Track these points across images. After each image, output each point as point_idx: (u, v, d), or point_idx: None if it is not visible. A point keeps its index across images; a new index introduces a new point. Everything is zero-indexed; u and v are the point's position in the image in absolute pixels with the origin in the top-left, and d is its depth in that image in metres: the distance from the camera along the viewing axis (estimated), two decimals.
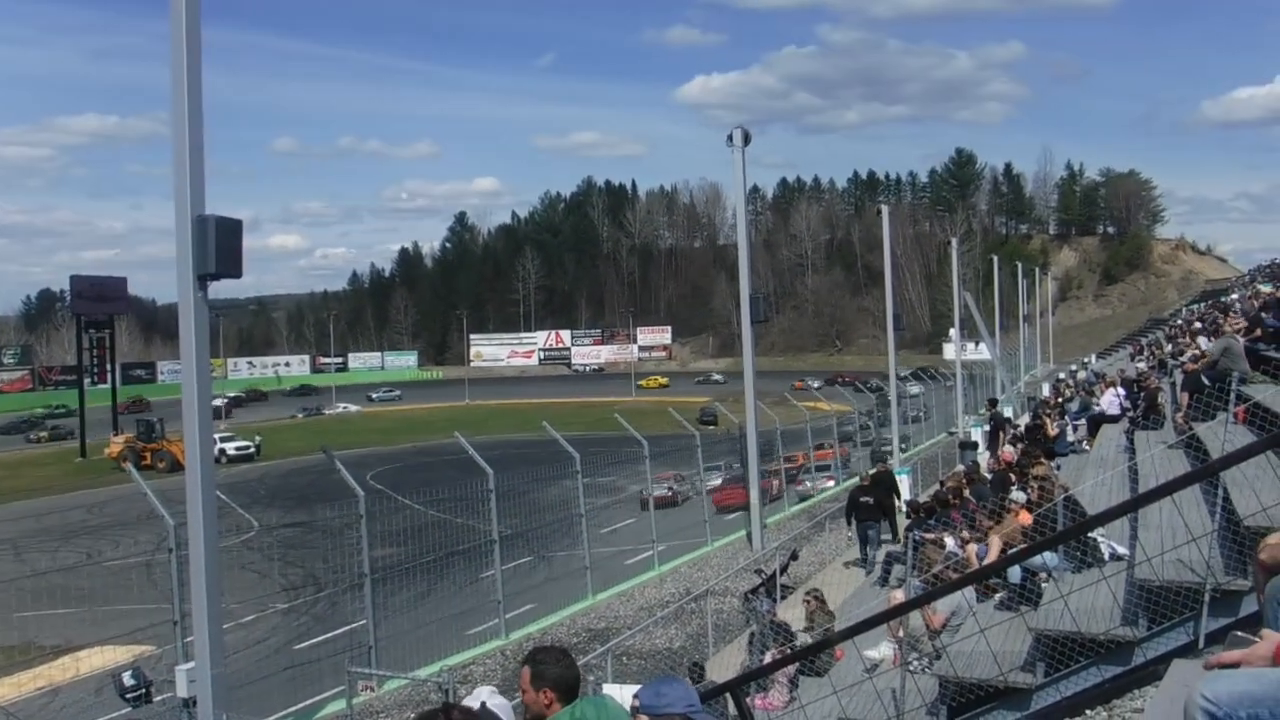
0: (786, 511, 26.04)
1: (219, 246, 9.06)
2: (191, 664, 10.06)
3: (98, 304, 69.50)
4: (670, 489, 26.99)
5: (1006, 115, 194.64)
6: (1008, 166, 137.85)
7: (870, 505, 17.64)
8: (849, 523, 18.52)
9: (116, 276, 74.85)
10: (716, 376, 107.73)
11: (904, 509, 17.36)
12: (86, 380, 67.88)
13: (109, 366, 70.39)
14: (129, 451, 51.56)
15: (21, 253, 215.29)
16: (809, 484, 30.19)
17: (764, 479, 25.29)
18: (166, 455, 49.28)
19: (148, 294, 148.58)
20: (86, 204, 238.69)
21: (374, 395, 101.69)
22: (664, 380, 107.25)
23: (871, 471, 19.71)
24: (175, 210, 9.21)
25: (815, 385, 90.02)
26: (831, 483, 29.55)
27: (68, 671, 17.81)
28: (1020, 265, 72.40)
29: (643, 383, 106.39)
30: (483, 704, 3.43)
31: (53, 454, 62.42)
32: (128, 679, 10.94)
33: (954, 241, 49.33)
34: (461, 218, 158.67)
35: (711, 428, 39.43)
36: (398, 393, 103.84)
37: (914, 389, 53.54)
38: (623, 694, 8.01)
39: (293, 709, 14.01)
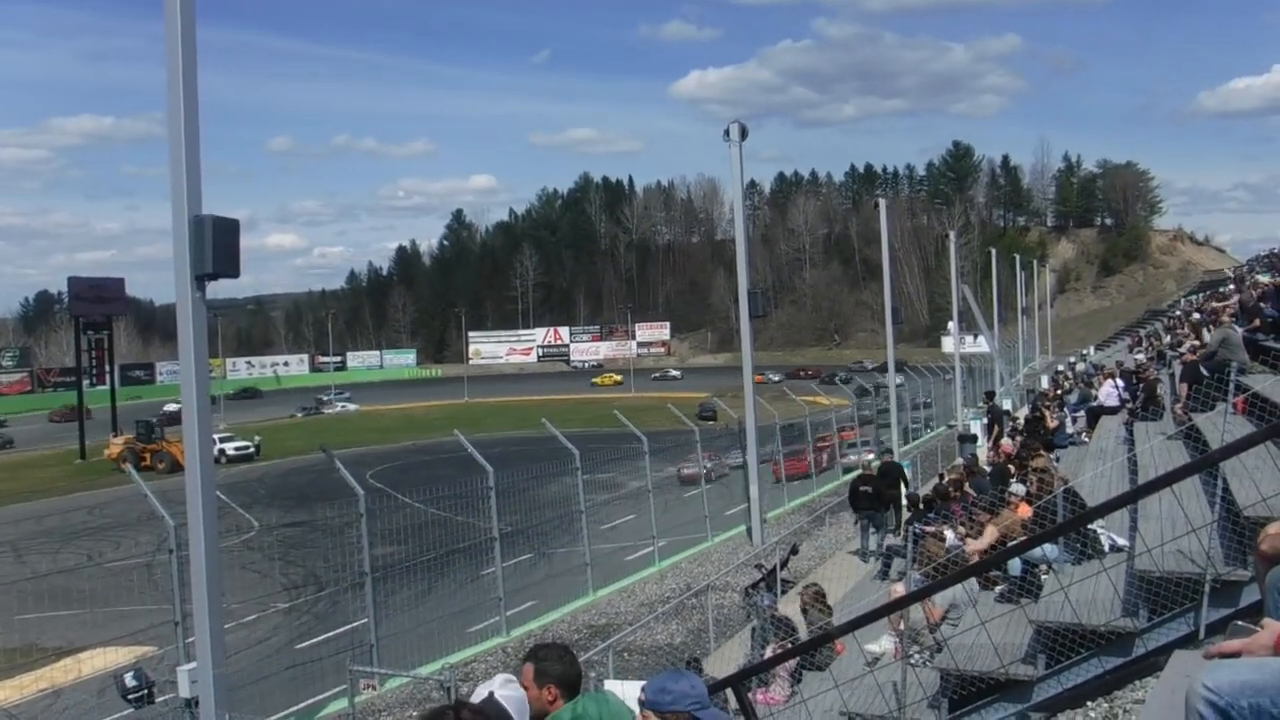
0: (786, 506, 26.08)
1: (216, 246, 9.06)
2: (193, 664, 10.07)
3: (96, 305, 69.42)
4: (707, 466, 27.47)
5: (1003, 108, 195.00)
6: (1005, 159, 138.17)
7: (870, 495, 17.79)
8: (853, 510, 18.76)
9: (114, 278, 74.82)
10: (674, 373, 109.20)
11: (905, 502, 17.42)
12: (85, 382, 67.86)
13: (108, 368, 70.35)
14: (128, 453, 51.50)
15: (18, 255, 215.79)
16: (854, 456, 32.14)
17: (815, 453, 30.70)
18: (166, 456, 49.23)
19: (145, 295, 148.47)
20: (83, 205, 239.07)
21: (324, 397, 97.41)
22: (618, 378, 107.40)
23: (877, 462, 19.82)
24: (172, 211, 9.22)
25: (776, 379, 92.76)
26: (871, 455, 31.02)
27: (70, 673, 17.82)
28: (1018, 257, 72.46)
29: (596, 380, 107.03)
30: (491, 694, 3.41)
31: (52, 456, 62.37)
32: (130, 680, 10.95)
33: (952, 234, 49.35)
34: (458, 215, 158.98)
35: (711, 423, 39.44)
36: (348, 394, 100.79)
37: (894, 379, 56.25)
38: (624, 690, 8.01)
39: (295, 708, 14.02)
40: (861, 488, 18.02)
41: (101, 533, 33.27)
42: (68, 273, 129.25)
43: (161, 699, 11.37)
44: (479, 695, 3.38)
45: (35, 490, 47.42)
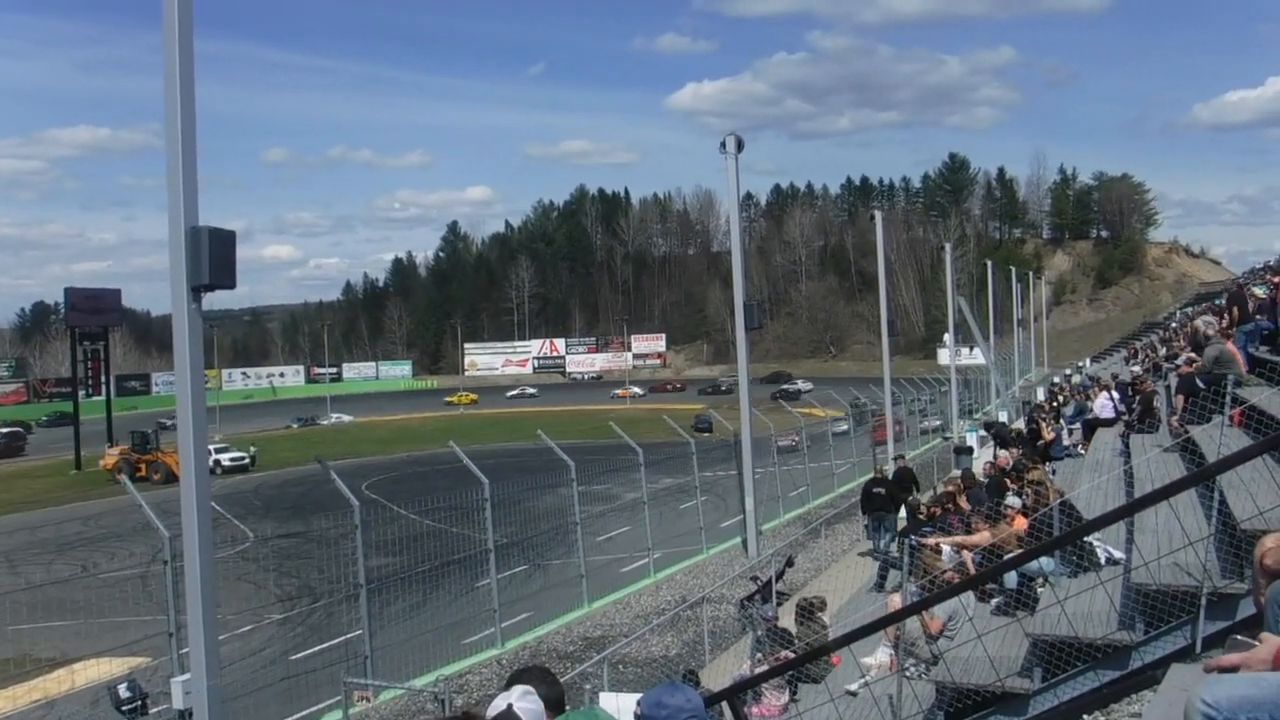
0: (782, 518, 26.06)
1: (212, 257, 9.05)
2: (187, 676, 10.00)
3: (92, 316, 69.25)
4: (794, 440, 31.70)
5: (998, 120, 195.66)
6: (1000, 171, 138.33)
7: (882, 496, 18.23)
8: (863, 512, 19.12)
9: (111, 289, 74.78)
10: (530, 390, 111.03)
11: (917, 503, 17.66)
12: (81, 392, 67.72)
13: (104, 378, 70.19)
14: (124, 463, 51.38)
15: (14, 265, 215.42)
16: (929, 422, 40.44)
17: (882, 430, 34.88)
18: (161, 467, 49.07)
19: (141, 306, 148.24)
20: (79, 216, 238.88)
21: (168, 422, 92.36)
22: (474, 396, 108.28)
23: (893, 463, 20.26)
24: (169, 222, 9.20)
25: (640, 393, 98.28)
26: (939, 422, 40.53)
27: (63, 684, 17.72)
28: (1014, 270, 72.48)
29: (450, 399, 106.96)
30: (510, 706, 3.39)
31: (47, 466, 62.21)
32: (123, 691, 10.94)
33: (948, 246, 49.30)
34: (454, 227, 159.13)
35: (706, 435, 39.51)
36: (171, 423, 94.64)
37: (805, 386, 74.83)
38: (619, 703, 7.99)
39: (289, 719, 13.96)
40: (874, 489, 18.54)
41: (96, 543, 33.15)
42: (64, 283, 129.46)
43: (155, 710, 11.35)
44: (497, 707, 3.36)
45: (30, 501, 47.24)
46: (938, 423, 41.11)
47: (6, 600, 21.00)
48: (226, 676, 11.19)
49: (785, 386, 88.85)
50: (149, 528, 12.49)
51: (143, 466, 51.21)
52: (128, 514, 29.83)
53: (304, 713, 14.26)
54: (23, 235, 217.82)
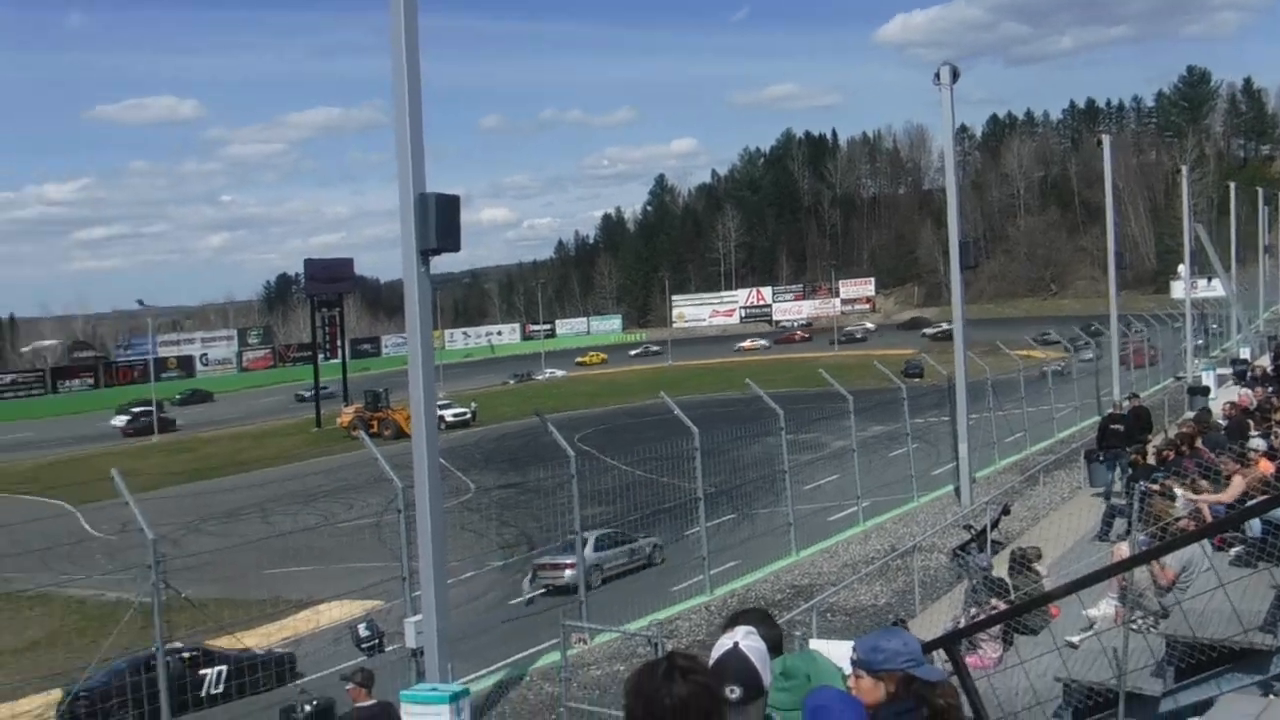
0: (996, 465, 25.11)
1: (439, 221, 9.51)
2: (419, 617, 10.72)
3: (328, 285, 73.80)
4: (1062, 365, 33.51)
5: (1243, 24, 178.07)
6: (1247, 82, 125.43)
7: (1120, 434, 17.81)
8: (1097, 449, 18.53)
9: (344, 258, 79.59)
10: (654, 347, 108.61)
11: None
12: (320, 356, 72.70)
13: (339, 342, 75.13)
14: (358, 420, 54.87)
15: (258, 241, 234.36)
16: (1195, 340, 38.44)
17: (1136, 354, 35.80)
18: (391, 424, 52.11)
19: (372, 273, 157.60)
20: (315, 192, 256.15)
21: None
22: (603, 355, 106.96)
23: (1126, 401, 19.67)
24: (399, 190, 9.70)
25: (766, 344, 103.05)
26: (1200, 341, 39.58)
27: (309, 623, 19.38)
28: (1261, 191, 66.35)
29: (581, 359, 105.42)
30: (735, 644, 3.44)
31: (292, 425, 67.29)
32: (363, 630, 11.80)
33: (1184, 169, 45.87)
34: (661, 180, 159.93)
35: (917, 380, 38.49)
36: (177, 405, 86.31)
37: (947, 326, 66.66)
38: (829, 649, 7.93)
39: (511, 659, 14.66)
40: (1112, 426, 18.30)
41: (336, 495, 35.63)
42: (302, 255, 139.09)
43: (391, 648, 12.17)
44: (723, 645, 3.41)
45: (278, 456, 51.52)
46: (1200, 341, 39.80)
47: (262, 547, 22.97)
48: (452, 618, 11.85)
49: (928, 331, 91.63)
50: (382, 479, 13.27)
51: (374, 423, 54.55)
52: (362, 468, 31.88)
53: (525, 653, 14.93)
54: (268, 213, 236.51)
